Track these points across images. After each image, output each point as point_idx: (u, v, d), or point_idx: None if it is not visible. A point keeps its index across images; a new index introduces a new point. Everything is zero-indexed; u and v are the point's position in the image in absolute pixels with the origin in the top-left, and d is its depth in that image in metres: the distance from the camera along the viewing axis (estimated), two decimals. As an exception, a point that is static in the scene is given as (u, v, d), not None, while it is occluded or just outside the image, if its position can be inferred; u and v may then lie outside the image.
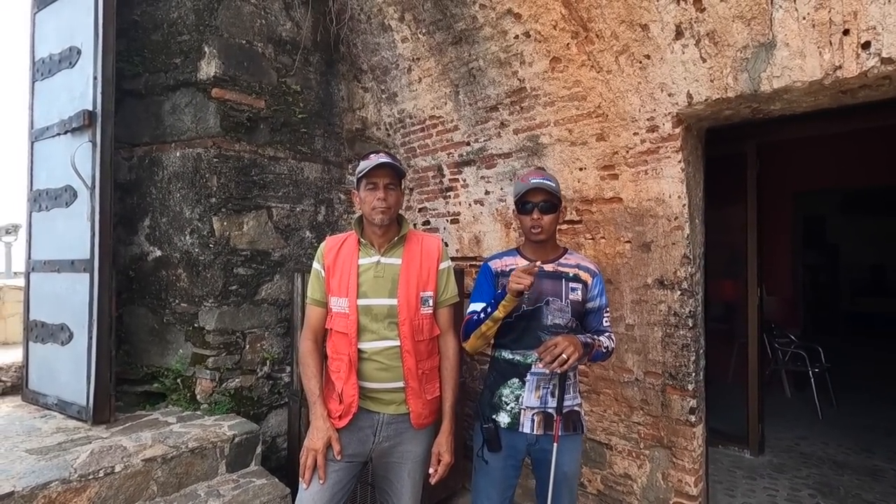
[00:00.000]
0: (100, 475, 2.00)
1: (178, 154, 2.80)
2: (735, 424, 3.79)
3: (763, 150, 4.02)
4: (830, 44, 1.83)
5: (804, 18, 1.83)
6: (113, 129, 2.55)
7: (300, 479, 1.60)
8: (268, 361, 2.89)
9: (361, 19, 3.18)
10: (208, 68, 2.74)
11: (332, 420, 1.62)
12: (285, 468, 2.82)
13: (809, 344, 4.95)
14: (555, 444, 1.68)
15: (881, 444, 3.84)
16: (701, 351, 2.56)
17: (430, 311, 1.74)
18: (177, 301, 2.79)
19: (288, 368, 2.98)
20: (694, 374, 2.49)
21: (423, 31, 2.94)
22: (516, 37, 2.60)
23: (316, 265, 1.74)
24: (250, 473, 2.41)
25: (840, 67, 1.84)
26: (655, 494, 2.59)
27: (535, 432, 1.74)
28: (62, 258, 2.67)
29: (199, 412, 2.68)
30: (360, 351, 1.64)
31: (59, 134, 2.71)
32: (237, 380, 2.76)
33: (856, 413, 4.54)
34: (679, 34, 2.12)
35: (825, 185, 6.20)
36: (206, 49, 2.75)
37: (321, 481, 1.57)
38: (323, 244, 1.76)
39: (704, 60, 2.11)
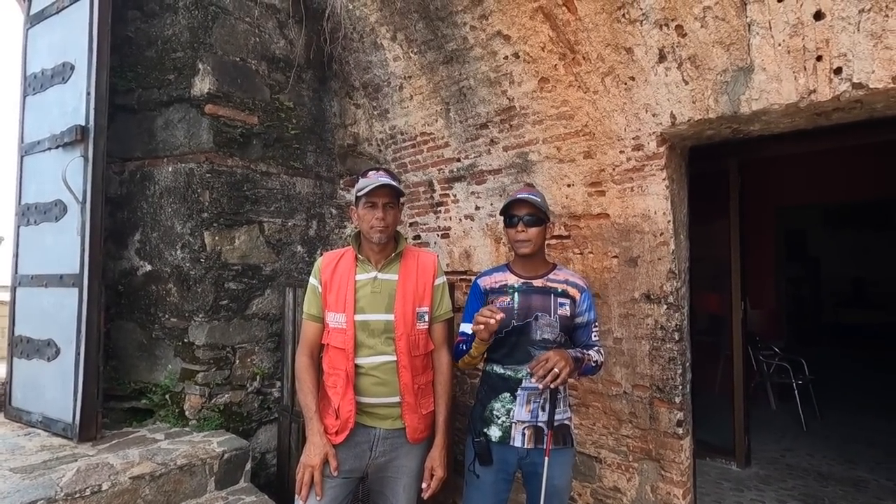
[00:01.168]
0: (86, 494, 1.97)
1: (170, 169, 2.81)
2: (722, 437, 3.84)
3: (745, 166, 4.13)
4: (805, 69, 1.91)
5: (780, 45, 1.92)
6: (105, 144, 2.56)
7: (297, 496, 1.59)
8: (258, 376, 2.88)
9: (354, 38, 3.25)
10: (202, 85, 2.77)
11: (328, 436, 1.63)
12: (275, 484, 2.80)
13: (793, 356, 5.04)
14: (546, 458, 1.70)
15: (864, 454, 3.90)
16: (687, 364, 2.61)
17: (426, 327, 1.76)
18: (166, 316, 2.78)
19: (278, 384, 2.97)
20: (681, 388, 2.53)
21: (415, 50, 3.01)
22: (506, 57, 2.67)
23: (313, 280, 1.76)
24: (240, 490, 2.38)
25: (814, 91, 1.92)
26: (644, 507, 2.62)
27: (525, 446, 1.77)
28: (50, 272, 2.65)
29: (187, 428, 2.66)
30: (357, 366, 1.66)
31: (50, 148, 2.71)
32: (227, 395, 2.75)
33: (839, 424, 4.61)
34: (662, 57, 2.21)
35: (806, 201, 6.37)
36: (200, 66, 2.78)
37: (318, 498, 1.57)
38: (320, 259, 1.78)
39: (686, 83, 2.19)
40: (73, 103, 2.64)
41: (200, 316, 2.70)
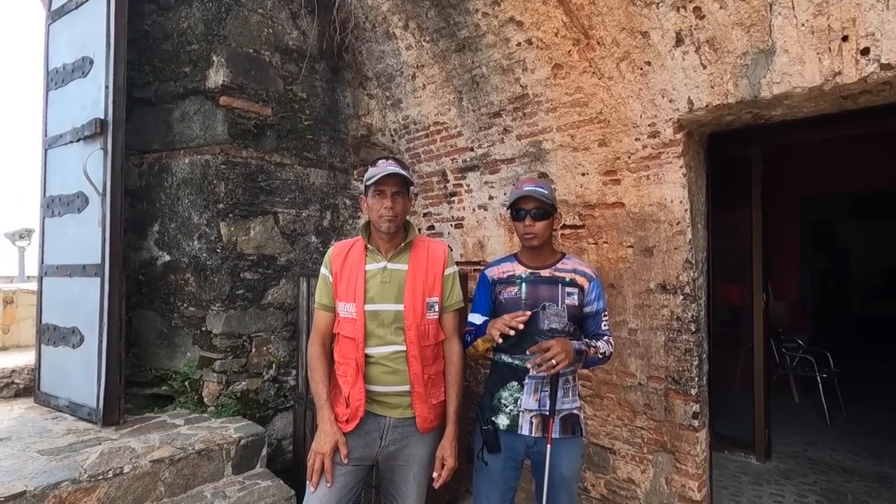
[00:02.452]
0: (109, 476, 2.04)
1: (186, 161, 2.85)
2: (741, 430, 3.77)
3: (769, 154, 4.01)
4: (829, 50, 1.84)
5: (803, 25, 1.85)
6: (124, 137, 2.61)
7: (307, 482, 1.62)
8: (274, 365, 2.93)
9: (366, 28, 3.23)
10: (216, 77, 2.79)
11: (339, 424, 1.65)
12: (290, 470, 2.85)
13: (818, 349, 4.91)
14: (548, 446, 1.69)
15: (891, 450, 3.79)
16: (704, 356, 2.56)
17: (436, 317, 1.76)
18: (185, 305, 2.84)
19: (293, 372, 3.02)
20: (697, 379, 2.49)
21: (427, 38, 2.98)
22: (518, 44, 2.63)
23: (324, 270, 1.77)
24: (256, 475, 2.44)
25: (839, 73, 1.84)
26: (659, 499, 2.59)
27: (532, 434, 1.76)
28: (74, 263, 2.73)
29: (205, 415, 2.73)
30: (367, 355, 1.67)
31: (71, 142, 2.77)
32: (244, 383, 2.80)
33: (865, 419, 4.49)
34: (679, 41, 2.14)
35: (833, 190, 6.15)
36: (214, 58, 2.81)
37: (328, 484, 1.60)
38: (330, 250, 1.79)
39: (705, 67, 2.13)
40: (92, 97, 2.70)
41: (217, 305, 2.76)
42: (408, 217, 1.81)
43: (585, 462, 2.83)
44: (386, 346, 1.68)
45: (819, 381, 4.65)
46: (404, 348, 1.68)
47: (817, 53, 1.86)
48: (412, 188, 1.85)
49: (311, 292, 2.80)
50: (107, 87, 2.60)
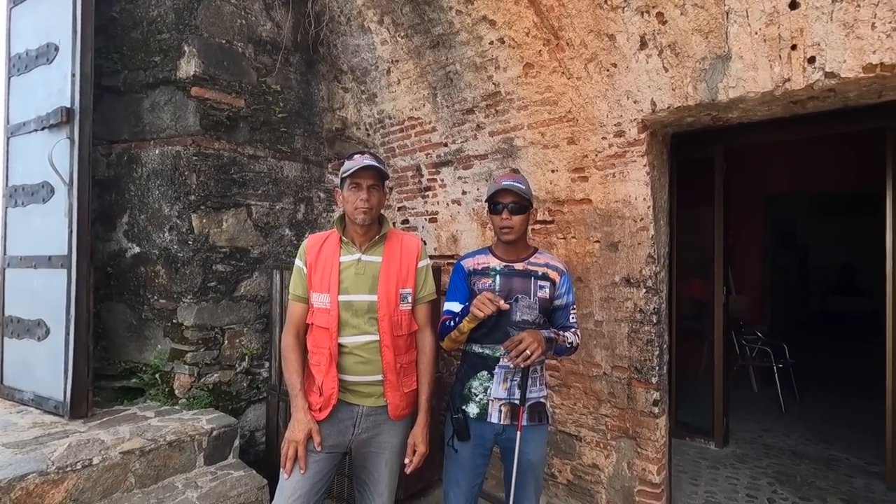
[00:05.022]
0: (77, 468, 2.03)
1: (157, 152, 2.82)
2: (702, 418, 3.95)
3: (734, 155, 4.18)
4: (780, 57, 1.95)
5: (756, 33, 1.95)
6: (91, 126, 2.57)
7: (281, 469, 1.65)
8: (246, 357, 2.94)
9: (341, 21, 3.24)
10: (188, 67, 2.77)
11: (312, 412, 1.68)
12: (263, 461, 2.87)
13: (775, 341, 5.16)
14: (518, 433, 1.77)
15: (840, 435, 4.03)
16: (665, 346, 2.68)
17: (409, 308, 1.81)
18: (155, 297, 2.82)
19: (266, 364, 3.03)
20: (658, 368, 2.61)
21: (402, 34, 3.01)
22: (491, 42, 2.68)
23: (298, 262, 1.79)
24: (228, 466, 2.45)
25: (789, 80, 1.96)
26: (621, 483, 2.71)
27: (501, 422, 1.83)
28: (39, 254, 2.67)
29: (177, 407, 2.72)
30: (340, 345, 1.71)
31: (35, 130, 2.71)
32: (216, 375, 2.80)
33: (818, 406, 4.75)
34: (643, 45, 2.23)
35: (795, 190, 6.43)
36: (185, 48, 2.77)
37: (302, 471, 1.63)
38: (305, 241, 1.82)
39: (667, 70, 2.22)
40: (58, 84, 2.64)
41: (189, 297, 2.74)
42: (382, 211, 1.85)
43: (553, 449, 2.94)
44: (360, 335, 1.73)
45: (776, 371, 4.89)
46: (377, 338, 1.73)
47: (769, 60, 1.97)
48: (387, 182, 1.88)
49: (284, 285, 2.82)
50: (73, 75, 2.55)
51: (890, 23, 1.72)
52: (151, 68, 2.86)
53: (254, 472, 2.44)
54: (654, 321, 2.59)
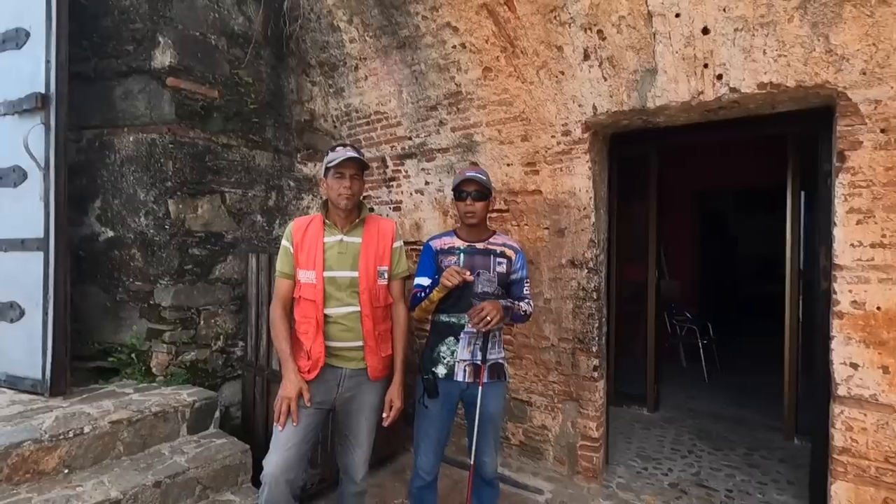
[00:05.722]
0: (70, 436, 2.16)
1: (131, 139, 2.91)
2: (638, 387, 4.43)
3: (668, 154, 4.65)
4: (695, 73, 2.34)
5: (677, 52, 2.34)
6: (67, 112, 2.63)
7: (275, 424, 1.87)
8: (222, 336, 3.09)
9: (311, 18, 3.41)
10: (163, 57, 2.87)
11: (301, 374, 1.91)
12: (239, 433, 3.03)
13: (701, 320, 5.78)
14: (480, 388, 2.08)
15: (751, 400, 4.63)
16: (603, 319, 3.08)
17: (385, 283, 2.06)
18: (131, 280, 2.92)
19: (241, 343, 3.19)
20: (597, 339, 3.00)
21: (371, 34, 3.22)
22: (454, 47, 2.95)
23: (285, 243, 2.00)
24: (210, 435, 2.63)
25: (702, 92, 2.36)
26: (566, 440, 3.10)
27: (466, 380, 2.13)
28: (11, 237, 2.71)
29: (154, 384, 2.84)
30: (325, 315, 1.94)
31: (5, 114, 2.73)
32: (193, 353, 2.95)
33: (736, 377, 5.38)
34: (587, 56, 2.58)
35: (721, 186, 7.13)
36: (160, 39, 2.87)
37: (294, 424, 1.86)
38: (291, 224, 2.03)
39: (605, 79, 2.58)
40: (28, 70, 2.67)
41: (166, 279, 2.87)
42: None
43: (507, 414, 3.28)
44: (343, 307, 1.97)
45: (700, 346, 5.49)
46: (358, 309, 1.97)
47: (687, 76, 2.36)
48: (366, 172, 2.12)
49: (260, 267, 2.99)
50: (48, 62, 2.60)
51: (777, 50, 2.13)
52: (124, 56, 2.93)
53: (235, 438, 2.62)
54: (595, 298, 2.98)
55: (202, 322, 3.01)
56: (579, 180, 2.90)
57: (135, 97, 2.92)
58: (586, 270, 2.97)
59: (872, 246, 2.15)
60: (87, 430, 2.22)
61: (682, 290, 6.55)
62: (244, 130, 3.28)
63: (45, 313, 2.58)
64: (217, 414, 2.71)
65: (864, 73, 2.01)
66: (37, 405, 2.44)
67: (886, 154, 2.07)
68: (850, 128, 2.13)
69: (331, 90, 3.66)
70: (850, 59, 2.02)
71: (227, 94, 3.15)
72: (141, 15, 2.90)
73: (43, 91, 2.61)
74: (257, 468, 2.21)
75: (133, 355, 2.87)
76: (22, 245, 2.68)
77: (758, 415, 4.24)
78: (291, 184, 3.63)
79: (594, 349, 2.99)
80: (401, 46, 3.15)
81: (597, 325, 2.99)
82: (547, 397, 3.18)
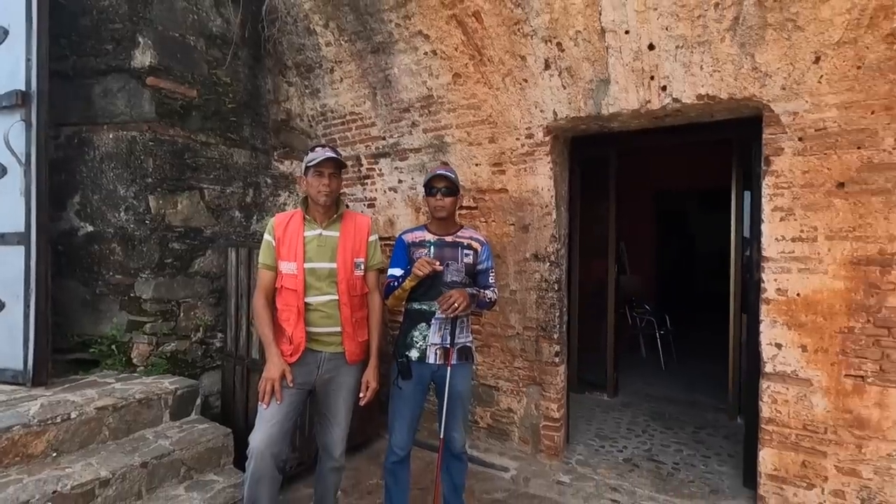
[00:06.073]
0: (57, 421, 2.26)
1: (111, 136, 2.98)
2: (600, 376, 4.73)
3: (629, 156, 4.95)
4: (643, 84, 2.60)
5: (627, 65, 2.59)
6: (48, 109, 2.70)
7: (260, 403, 2.02)
8: (201, 328, 3.20)
9: (288, 21, 3.54)
10: (143, 57, 2.95)
11: (284, 357, 2.06)
12: (219, 421, 3.14)
13: (659, 313, 6.14)
14: (448, 368, 2.28)
15: (703, 385, 4.99)
16: (564, 308, 3.32)
17: (362, 274, 2.23)
18: (111, 273, 2.99)
19: (220, 335, 3.30)
20: (559, 326, 3.24)
21: (346, 38, 3.38)
22: (426, 53, 3.14)
23: (267, 237, 2.15)
24: (192, 421, 2.74)
25: (649, 102, 2.62)
26: (530, 421, 3.33)
27: (437, 362, 2.32)
28: (-9, 231, 2.76)
29: (135, 374, 2.93)
30: (306, 303, 2.10)
31: (-15, 111, 2.77)
32: (173, 344, 3.05)
33: (690, 365, 5.76)
34: (547, 66, 2.81)
35: (679, 188, 7.54)
36: (140, 39, 2.96)
37: (278, 402, 2.01)
38: (272, 220, 2.18)
39: (564, 87, 2.82)
40: (8, 67, 2.72)
41: (147, 273, 2.96)
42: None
43: (476, 400, 3.50)
44: (322, 295, 2.13)
45: (658, 337, 5.85)
46: (337, 297, 2.14)
47: (636, 86, 2.62)
48: (343, 171, 2.28)
49: (239, 261, 3.12)
50: (28, 60, 2.66)
51: (712, 66, 2.41)
52: (103, 56, 3.00)
53: (217, 423, 2.75)
54: (556, 289, 3.22)
55: (182, 314, 3.11)
56: (542, 180, 3.13)
57: (114, 95, 3.00)
58: (548, 264, 3.21)
59: (793, 240, 2.45)
60: (73, 415, 2.31)
61: (643, 285, 6.92)
62: (222, 129, 3.39)
63: (27, 306, 2.64)
64: (199, 401, 2.83)
65: (784, 88, 2.31)
66: (20, 394, 2.51)
67: (803, 159, 2.36)
68: (773, 136, 2.42)
69: (307, 91, 3.79)
70: (772, 76, 2.31)
71: (205, 93, 3.25)
72: (120, 15, 2.97)
73: (23, 88, 2.67)
74: (239, 452, 2.36)
75: (114, 346, 2.96)
76: (3, 239, 2.73)
77: (707, 398, 4.59)
78: (269, 181, 3.75)
79: (556, 336, 3.23)
80: (375, 51, 3.32)
81: (558, 314, 3.23)
82: (512, 382, 3.41)
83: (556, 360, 3.24)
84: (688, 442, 3.62)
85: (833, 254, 2.37)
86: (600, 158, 4.46)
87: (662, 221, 8.23)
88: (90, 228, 3.03)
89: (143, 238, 2.96)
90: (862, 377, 2.34)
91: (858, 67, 2.13)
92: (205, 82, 3.25)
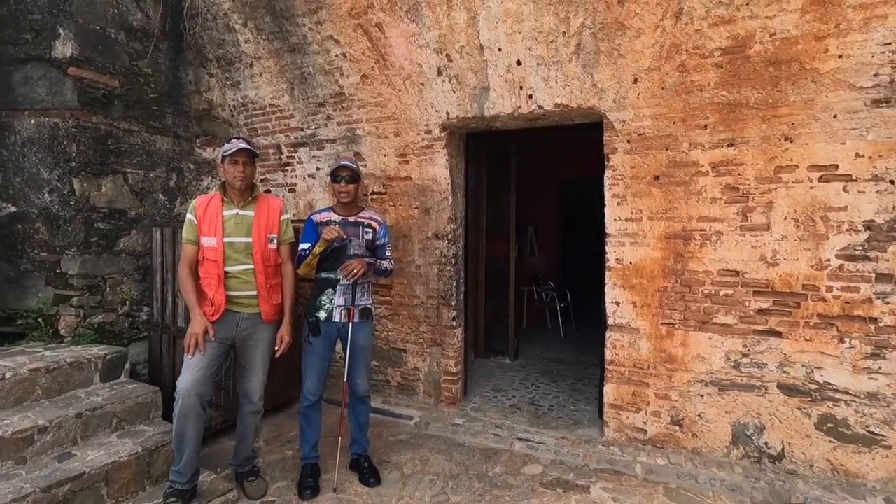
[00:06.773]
0: (-8, 381, 2.50)
1: (32, 122, 3.15)
2: (504, 343, 5.39)
3: (535, 149, 5.56)
4: (515, 93, 3.18)
5: (502, 76, 3.15)
6: (-32, 95, 2.85)
7: (185, 354, 2.39)
8: (127, 302, 3.45)
9: (208, 17, 3.79)
10: (64, 49, 3.14)
11: (207, 317, 2.44)
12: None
13: (562, 289, 6.95)
14: (350, 325, 2.75)
15: (591, 348, 5.76)
16: (461, 279, 3.89)
17: (275, 247, 2.64)
18: (36, 251, 3.18)
19: (146, 308, 3.56)
20: (456, 295, 3.80)
21: (264, 37, 3.70)
22: (337, 55, 3.55)
23: (189, 216, 2.50)
24: (121, 382, 3.03)
25: (520, 107, 3.20)
26: (432, 377, 3.89)
27: (341, 321, 2.79)
28: None
29: (63, 344, 3.16)
30: (226, 272, 2.48)
31: None
32: (100, 316, 3.29)
33: (585, 334, 6.59)
34: (440, 73, 3.31)
35: (582, 177, 8.37)
36: (60, 31, 3.14)
37: (202, 352, 2.39)
38: (194, 201, 2.53)
39: (454, 92, 3.34)
40: (-77, 53, 2.85)
41: (73, 250, 3.18)
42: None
43: (387, 361, 4.01)
44: (240, 265, 2.52)
45: (559, 310, 6.65)
46: (253, 267, 2.54)
47: (509, 94, 3.19)
48: (256, 159, 2.66)
49: (164, 239, 3.40)
50: (-54, 47, 2.80)
51: (564, 81, 3.02)
52: (22, 45, 3.15)
53: (145, 384, 3.06)
54: (454, 263, 3.78)
55: (108, 289, 3.36)
56: (440, 170, 3.66)
57: (35, 83, 3.16)
58: (447, 241, 3.76)
59: (626, 220, 3.14)
60: (7, 376, 2.56)
61: (548, 265, 7.73)
62: (145, 117, 3.61)
63: (-48, 281, 2.81)
64: (127, 365, 3.11)
65: (615, 101, 2.96)
66: (-52, 363, 2.70)
67: (631, 157, 3.05)
68: (610, 138, 3.08)
69: (228, 83, 4.07)
70: (606, 91, 2.95)
71: (127, 83, 3.46)
72: (40, 7, 3.13)
73: (-58, 74, 2.81)
74: (168, 407, 2.71)
75: (40, 319, 3.16)
76: (-79, 218, 2.87)
77: (592, 358, 5.36)
78: (191, 166, 4.00)
79: (453, 304, 3.80)
80: (291, 50, 3.68)
81: (455, 284, 3.79)
82: (418, 345, 3.94)
83: (454, 323, 3.81)
84: (566, 391, 4.34)
85: (653, 230, 3.08)
86: (503, 152, 5.08)
87: (568, 208, 9.10)
88: (13, 209, 3.19)
89: (69, 218, 3.18)
90: (672, 324, 3.08)
91: (662, 88, 2.81)
92: (126, 73, 3.46)
